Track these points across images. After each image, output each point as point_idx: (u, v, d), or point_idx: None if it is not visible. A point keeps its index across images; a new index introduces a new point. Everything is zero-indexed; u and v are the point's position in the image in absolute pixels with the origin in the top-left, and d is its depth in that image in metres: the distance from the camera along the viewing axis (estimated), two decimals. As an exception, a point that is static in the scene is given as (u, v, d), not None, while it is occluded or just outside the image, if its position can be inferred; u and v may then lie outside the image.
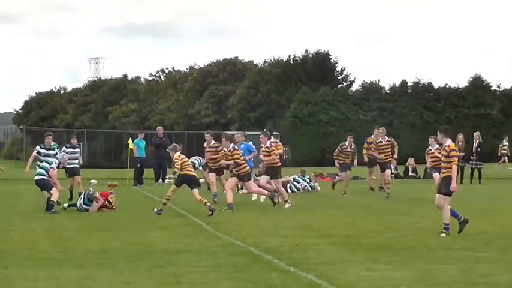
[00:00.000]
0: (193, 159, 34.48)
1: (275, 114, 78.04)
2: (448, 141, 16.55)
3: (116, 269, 12.09)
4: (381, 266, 12.15)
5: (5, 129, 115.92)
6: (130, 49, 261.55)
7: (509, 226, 17.87)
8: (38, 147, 24.37)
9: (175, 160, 21.26)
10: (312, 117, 68.62)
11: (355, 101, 70.50)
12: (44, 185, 22.64)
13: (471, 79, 72.04)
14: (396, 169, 39.19)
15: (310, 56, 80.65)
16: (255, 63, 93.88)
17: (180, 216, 20.71)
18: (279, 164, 24.23)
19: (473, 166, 36.17)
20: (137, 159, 35.89)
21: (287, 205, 23.39)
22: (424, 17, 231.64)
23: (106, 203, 22.84)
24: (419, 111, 69.02)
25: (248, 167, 23.27)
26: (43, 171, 22.93)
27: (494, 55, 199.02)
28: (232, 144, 22.90)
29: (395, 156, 28.50)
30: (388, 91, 72.32)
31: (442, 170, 16.48)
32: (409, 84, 71.97)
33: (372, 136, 28.66)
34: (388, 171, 27.95)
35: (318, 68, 79.06)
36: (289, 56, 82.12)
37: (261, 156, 24.19)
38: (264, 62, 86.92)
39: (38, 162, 23.59)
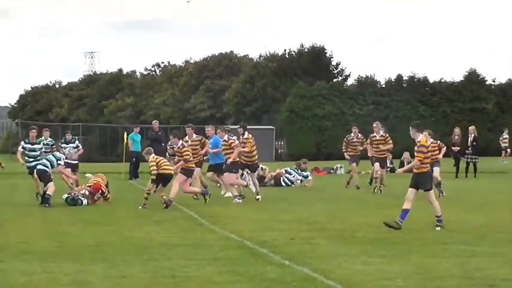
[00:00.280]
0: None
1: (271, 109, 78.02)
2: (420, 137, 16.56)
3: (111, 262, 12.09)
4: (377, 260, 12.16)
5: (0, 123, 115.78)
6: (125, 43, 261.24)
7: (504, 220, 17.91)
8: (22, 143, 24.43)
9: (150, 162, 21.74)
10: (308, 112, 68.58)
11: (350, 95, 70.46)
12: (44, 177, 22.59)
13: (466, 73, 72.07)
14: (391, 163, 39.23)
15: (306, 50, 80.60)
16: (250, 57, 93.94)
17: (176, 210, 20.72)
18: (238, 159, 23.84)
19: (469, 160, 36.18)
20: (132, 153, 35.87)
21: (258, 196, 23.69)
22: (419, 11, 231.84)
23: (100, 192, 22.89)
24: (415, 106, 69.00)
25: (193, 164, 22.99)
26: (47, 163, 22.90)
27: (490, 50, 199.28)
28: (181, 141, 22.80)
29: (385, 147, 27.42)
30: (384, 85, 72.27)
31: (418, 166, 16.46)
32: (405, 78, 71.93)
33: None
34: (382, 170, 26.87)
35: (313, 63, 79.00)
36: (285, 51, 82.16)
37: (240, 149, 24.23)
38: (260, 56, 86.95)
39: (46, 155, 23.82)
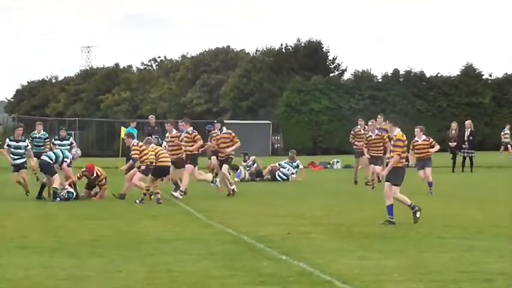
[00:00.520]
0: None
1: (267, 103, 77.97)
2: (397, 131, 16.37)
3: (107, 257, 12.10)
4: (373, 255, 12.17)
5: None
6: (122, 38, 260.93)
7: (500, 214, 17.92)
8: (7, 140, 24.31)
9: (149, 152, 21.95)
10: (304, 106, 68.54)
11: (347, 90, 70.43)
12: (47, 168, 22.55)
13: (463, 68, 72.10)
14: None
15: (302, 44, 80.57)
16: (247, 51, 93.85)
17: (172, 205, 20.73)
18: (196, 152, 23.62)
19: (465, 154, 36.19)
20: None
21: (212, 185, 23.93)
22: (416, 6, 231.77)
23: (95, 176, 22.90)
24: (411, 100, 69.02)
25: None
26: (53, 156, 22.88)
27: (488, 46, 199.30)
28: (134, 140, 22.97)
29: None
30: (380, 80, 72.25)
31: (390, 160, 16.39)
32: (401, 73, 71.92)
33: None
34: (377, 168, 25.74)
35: (310, 57, 78.98)
36: (281, 45, 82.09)
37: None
38: (256, 50, 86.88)
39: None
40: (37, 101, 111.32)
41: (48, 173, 22.57)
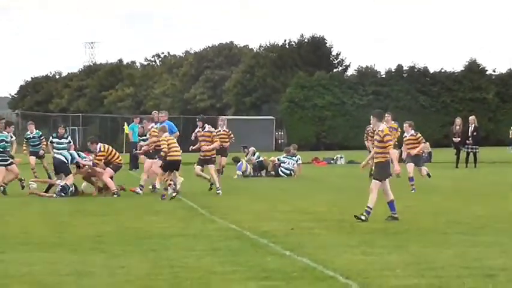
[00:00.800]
0: None
1: (271, 99, 77.99)
2: (382, 126, 16.06)
3: (110, 253, 12.09)
4: (376, 250, 12.15)
5: (0, 114, 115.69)
6: (126, 34, 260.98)
7: (503, 210, 17.89)
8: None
9: (161, 141, 21.70)
10: (308, 102, 68.55)
11: (350, 86, 70.45)
12: (63, 168, 22.58)
13: (467, 63, 72.07)
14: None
15: (306, 40, 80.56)
16: (250, 47, 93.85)
17: (175, 200, 20.72)
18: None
19: (469, 150, 36.15)
20: (133, 144, 35.88)
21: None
22: (420, 2, 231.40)
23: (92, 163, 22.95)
24: (415, 96, 69.02)
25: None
26: (69, 156, 22.91)
27: (490, 40, 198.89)
28: (100, 144, 23.10)
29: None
30: (384, 75, 72.26)
31: (375, 155, 16.12)
32: (405, 68, 71.93)
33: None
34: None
35: (313, 53, 78.99)
36: (285, 41, 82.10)
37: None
38: (260, 46, 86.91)
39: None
40: (41, 97, 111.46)
41: (62, 172, 22.59)
